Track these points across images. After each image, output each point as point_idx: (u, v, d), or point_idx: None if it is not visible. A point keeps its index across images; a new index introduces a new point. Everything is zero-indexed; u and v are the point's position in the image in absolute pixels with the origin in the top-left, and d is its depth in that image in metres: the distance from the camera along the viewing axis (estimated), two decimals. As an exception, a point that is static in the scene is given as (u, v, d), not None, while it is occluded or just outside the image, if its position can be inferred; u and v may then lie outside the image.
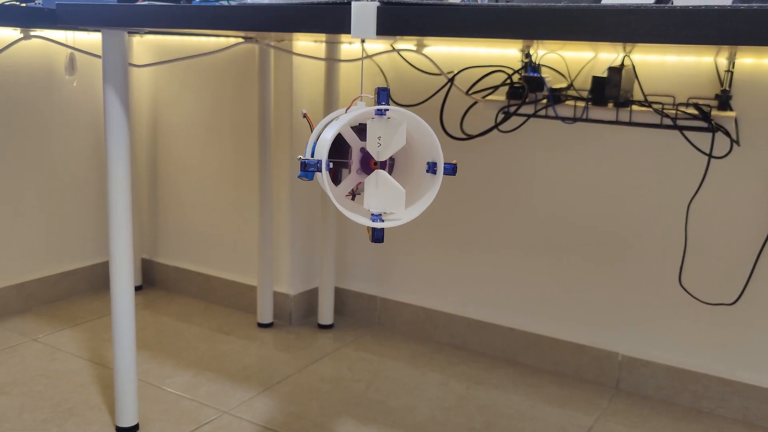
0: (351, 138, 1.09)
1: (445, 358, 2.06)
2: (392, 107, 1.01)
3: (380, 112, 1.02)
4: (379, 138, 1.03)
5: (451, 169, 1.03)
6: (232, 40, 2.17)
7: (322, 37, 1.84)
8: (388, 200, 1.04)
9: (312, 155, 1.07)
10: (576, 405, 1.81)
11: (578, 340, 1.96)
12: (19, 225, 2.26)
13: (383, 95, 1.01)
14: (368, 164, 1.09)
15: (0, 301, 2.23)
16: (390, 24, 1.03)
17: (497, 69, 1.92)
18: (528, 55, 1.83)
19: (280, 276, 2.28)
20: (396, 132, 1.02)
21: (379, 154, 1.04)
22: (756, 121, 1.66)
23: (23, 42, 2.17)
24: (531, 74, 1.79)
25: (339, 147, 1.11)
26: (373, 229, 1.04)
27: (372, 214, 1.05)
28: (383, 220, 1.05)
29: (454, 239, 2.10)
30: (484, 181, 2.03)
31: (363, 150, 1.08)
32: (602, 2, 1.08)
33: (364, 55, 2.13)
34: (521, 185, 1.98)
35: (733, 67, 1.65)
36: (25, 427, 1.61)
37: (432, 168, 1.04)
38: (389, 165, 1.12)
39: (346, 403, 1.78)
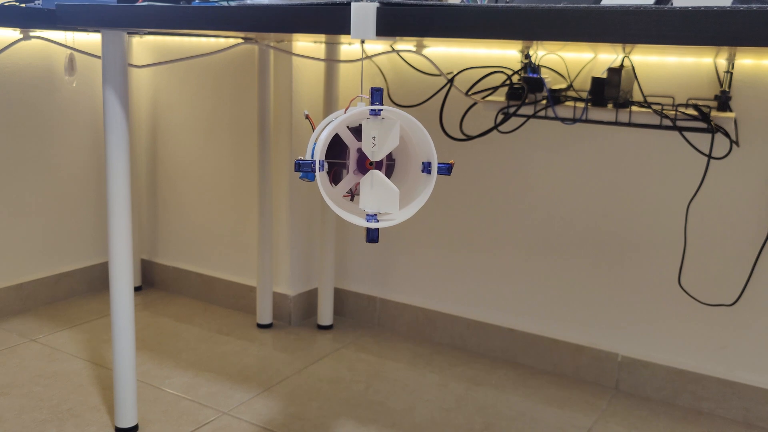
0: (348, 138, 1.09)
1: (445, 359, 2.06)
2: (386, 107, 1.02)
3: (374, 112, 1.02)
4: (373, 138, 1.03)
5: (446, 169, 1.03)
6: (232, 41, 2.17)
7: (322, 37, 1.84)
8: (382, 200, 1.04)
9: (312, 156, 1.08)
10: (575, 406, 1.81)
11: (578, 340, 1.96)
12: (19, 225, 2.26)
13: (377, 95, 1.02)
14: (365, 164, 1.09)
15: (-1, 302, 2.23)
16: (389, 25, 1.03)
17: (497, 70, 1.92)
18: (527, 56, 1.83)
19: (279, 277, 2.28)
20: (390, 132, 1.02)
21: (374, 154, 1.04)
22: (755, 121, 1.66)
23: (23, 42, 2.17)
24: (530, 75, 1.79)
25: (340, 147, 1.11)
26: (368, 229, 1.05)
27: (367, 215, 1.05)
28: (378, 221, 1.05)
29: (454, 240, 2.10)
30: (484, 182, 2.03)
31: (360, 150, 1.09)
32: (602, 3, 1.08)
33: (364, 56, 2.13)
34: (521, 186, 1.98)
35: (733, 68, 1.65)
36: (24, 428, 1.61)
37: (427, 168, 1.04)
38: (389, 165, 1.13)
39: (345, 404, 1.78)
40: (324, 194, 1.04)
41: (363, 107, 1.03)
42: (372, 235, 1.05)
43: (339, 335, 2.20)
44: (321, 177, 1.05)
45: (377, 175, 1.04)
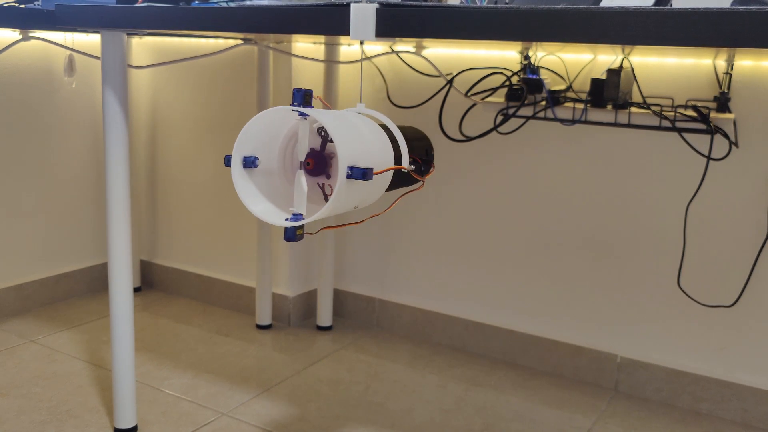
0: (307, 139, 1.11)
1: (444, 360, 2.06)
2: (304, 109, 1.02)
3: (301, 114, 1.04)
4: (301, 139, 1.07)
5: (360, 174, 1.01)
6: (231, 42, 2.17)
7: (321, 38, 1.84)
8: (299, 200, 1.06)
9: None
10: (574, 407, 1.81)
11: (577, 342, 1.96)
12: (18, 226, 2.26)
13: (297, 96, 1.03)
14: (305, 164, 1.11)
15: (-2, 303, 2.23)
16: (389, 26, 1.03)
17: (496, 71, 1.92)
18: (527, 57, 1.84)
19: (278, 277, 2.28)
20: (308, 133, 1.06)
21: (299, 155, 1.07)
22: (754, 123, 1.66)
23: (22, 43, 2.17)
24: (530, 76, 1.79)
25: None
26: (285, 228, 1.06)
27: (293, 213, 1.07)
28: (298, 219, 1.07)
29: (453, 241, 2.10)
30: (483, 182, 2.03)
31: (312, 150, 1.11)
32: (601, 4, 1.08)
33: (363, 57, 2.13)
34: (520, 187, 1.98)
35: (732, 69, 1.65)
36: (23, 429, 1.61)
37: (348, 171, 1.04)
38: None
39: (344, 405, 1.78)
40: (237, 189, 1.06)
41: (285, 107, 1.05)
42: (287, 234, 1.06)
43: (338, 336, 2.20)
44: (241, 172, 1.07)
45: (299, 175, 1.07)
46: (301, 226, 1.06)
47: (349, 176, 1.00)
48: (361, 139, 1.06)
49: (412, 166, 1.20)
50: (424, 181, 1.24)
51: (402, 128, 1.26)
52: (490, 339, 2.08)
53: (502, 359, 2.07)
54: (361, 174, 1.01)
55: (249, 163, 1.07)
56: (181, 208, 2.47)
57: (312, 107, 1.04)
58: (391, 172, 1.15)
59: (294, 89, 1.03)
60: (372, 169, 1.02)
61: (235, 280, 2.39)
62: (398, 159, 1.18)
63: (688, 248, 1.78)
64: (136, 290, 2.55)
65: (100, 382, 1.85)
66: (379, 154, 1.10)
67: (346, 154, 1.00)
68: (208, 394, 1.80)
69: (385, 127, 1.19)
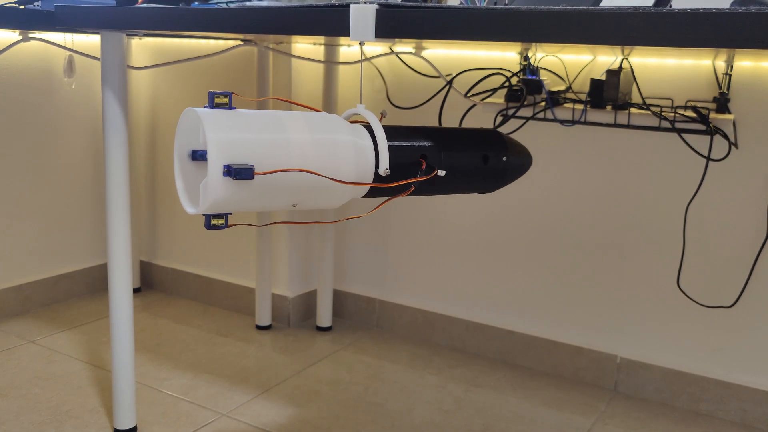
0: None
1: (444, 360, 2.06)
2: (196, 109, 1.03)
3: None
4: None
5: (234, 173, 0.99)
6: (231, 43, 2.17)
7: (321, 39, 1.84)
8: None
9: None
10: (574, 407, 1.81)
11: (577, 342, 1.96)
12: (17, 227, 2.26)
13: (210, 98, 1.05)
14: None
15: (-2, 304, 2.23)
16: (389, 26, 1.03)
17: (496, 72, 1.92)
18: (526, 58, 1.84)
19: (278, 278, 2.28)
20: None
21: None
22: (754, 123, 1.66)
23: (22, 44, 2.17)
24: (529, 77, 1.79)
25: None
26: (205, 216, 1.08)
27: None
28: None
29: (453, 241, 2.11)
30: (483, 183, 2.03)
31: None
32: (600, 5, 1.08)
33: (363, 58, 2.14)
34: (519, 188, 1.98)
35: (732, 69, 1.65)
36: (22, 430, 1.61)
37: (225, 169, 1.04)
38: None
39: (344, 406, 1.78)
40: (176, 180, 1.10)
41: (192, 108, 1.06)
42: (205, 222, 1.07)
43: (338, 337, 2.20)
44: (182, 162, 1.10)
45: None
46: (221, 217, 1.06)
47: (226, 174, 1.00)
48: (270, 140, 1.04)
49: (384, 173, 1.15)
50: (413, 185, 1.20)
51: (452, 130, 1.24)
52: (489, 339, 2.08)
53: (502, 360, 2.07)
54: (235, 173, 0.99)
55: (199, 156, 1.11)
56: (181, 209, 2.47)
57: (233, 108, 1.04)
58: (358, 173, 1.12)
59: (209, 92, 1.04)
60: (252, 168, 1.00)
61: (234, 281, 2.39)
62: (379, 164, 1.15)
63: (687, 249, 1.78)
64: (135, 291, 2.55)
65: (100, 383, 1.84)
66: (313, 159, 1.07)
67: (219, 154, 0.99)
68: (208, 395, 1.80)
69: (370, 128, 1.17)
